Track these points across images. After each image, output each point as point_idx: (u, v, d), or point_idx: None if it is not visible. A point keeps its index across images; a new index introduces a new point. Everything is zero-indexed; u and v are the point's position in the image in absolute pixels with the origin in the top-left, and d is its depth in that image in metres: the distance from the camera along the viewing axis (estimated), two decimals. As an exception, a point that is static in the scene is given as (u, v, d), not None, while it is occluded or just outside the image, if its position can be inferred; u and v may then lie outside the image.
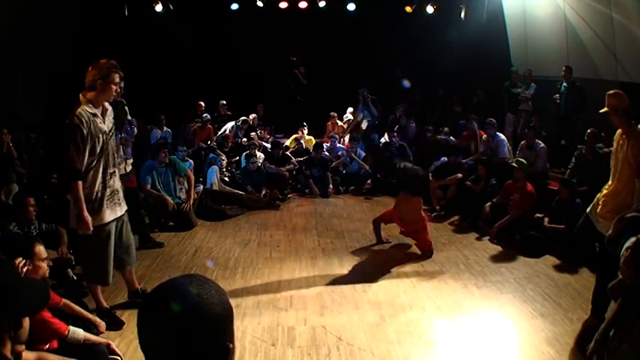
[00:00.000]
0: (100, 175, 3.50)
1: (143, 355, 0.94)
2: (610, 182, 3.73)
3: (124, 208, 3.76)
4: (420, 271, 4.84)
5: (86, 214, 3.38)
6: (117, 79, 3.46)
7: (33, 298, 1.43)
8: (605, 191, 3.76)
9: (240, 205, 6.92)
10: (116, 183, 3.66)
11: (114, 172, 3.63)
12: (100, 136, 3.45)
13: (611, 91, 3.59)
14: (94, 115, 3.41)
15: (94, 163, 3.45)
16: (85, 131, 3.33)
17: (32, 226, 4.38)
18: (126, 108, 4.81)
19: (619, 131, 3.63)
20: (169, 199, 6.02)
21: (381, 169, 8.17)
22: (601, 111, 3.63)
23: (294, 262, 5.06)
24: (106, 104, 3.55)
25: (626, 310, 2.21)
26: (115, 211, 3.63)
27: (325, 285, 4.48)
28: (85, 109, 3.37)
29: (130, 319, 3.67)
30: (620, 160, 3.58)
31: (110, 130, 3.56)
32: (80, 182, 3.38)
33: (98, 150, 3.45)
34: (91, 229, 3.42)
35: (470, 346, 3.46)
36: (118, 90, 3.58)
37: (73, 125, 3.30)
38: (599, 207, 3.75)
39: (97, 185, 3.48)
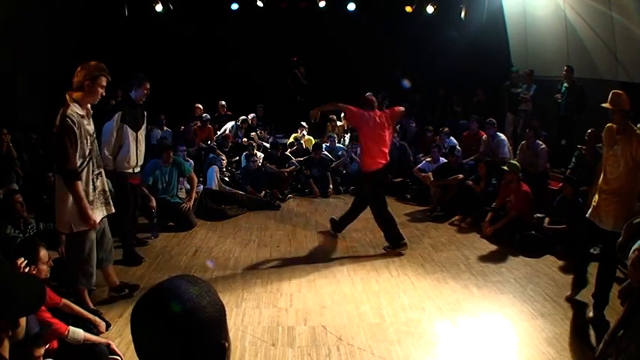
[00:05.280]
0: (90, 175, 3.57)
1: (137, 358, 0.94)
2: (611, 182, 3.74)
3: (112, 208, 3.86)
4: (420, 271, 4.84)
5: (89, 211, 3.48)
6: (104, 82, 3.53)
7: (28, 297, 1.43)
8: (605, 188, 3.78)
9: (240, 205, 6.92)
10: (104, 184, 3.78)
11: (100, 172, 3.72)
12: (88, 137, 3.52)
13: (617, 91, 3.73)
14: (82, 116, 3.47)
15: (84, 164, 3.51)
16: (77, 132, 3.39)
17: (30, 226, 4.38)
18: (145, 112, 4.89)
19: (609, 129, 3.75)
20: (153, 198, 5.81)
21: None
22: (603, 105, 3.74)
23: (294, 262, 5.05)
24: (89, 106, 3.59)
25: (634, 312, 2.22)
26: (103, 211, 3.74)
27: (325, 285, 4.48)
28: (74, 110, 3.42)
29: (129, 319, 3.67)
30: (622, 158, 3.64)
31: (94, 133, 3.63)
32: (79, 181, 3.45)
33: (87, 152, 3.52)
34: (97, 221, 3.56)
35: (470, 346, 3.45)
36: (104, 93, 3.62)
37: (67, 126, 3.34)
38: (602, 204, 3.77)
39: (86, 185, 3.54)
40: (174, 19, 10.32)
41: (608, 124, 3.80)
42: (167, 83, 10.11)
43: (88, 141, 3.52)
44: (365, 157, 5.43)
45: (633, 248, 2.37)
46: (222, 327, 0.96)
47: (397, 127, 9.25)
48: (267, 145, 9.07)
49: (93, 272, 3.72)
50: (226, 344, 0.96)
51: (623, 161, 3.63)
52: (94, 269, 3.72)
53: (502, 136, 7.82)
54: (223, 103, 10.42)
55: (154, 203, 5.75)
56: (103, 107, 4.67)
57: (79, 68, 3.48)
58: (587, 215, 3.95)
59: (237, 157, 8.47)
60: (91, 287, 3.78)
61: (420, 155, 8.42)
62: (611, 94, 3.72)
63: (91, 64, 3.49)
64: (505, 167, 5.89)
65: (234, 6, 10.92)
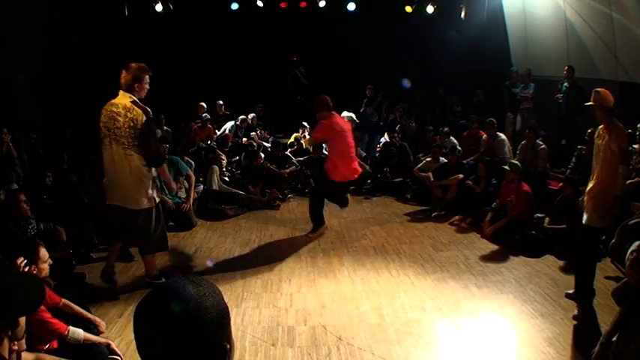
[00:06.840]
0: None
1: (139, 357, 0.94)
2: (594, 178, 3.87)
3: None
4: (420, 271, 4.84)
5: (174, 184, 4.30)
6: (148, 79, 3.87)
7: (28, 297, 1.43)
8: (590, 182, 3.90)
9: (240, 205, 6.92)
10: None
11: None
12: None
13: (598, 89, 3.82)
14: None
15: None
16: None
17: (30, 226, 4.38)
18: None
19: (600, 128, 3.86)
20: (167, 199, 5.96)
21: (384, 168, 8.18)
22: (586, 104, 3.88)
23: (294, 262, 5.05)
24: None
25: (632, 313, 2.22)
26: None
27: (325, 285, 4.48)
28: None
29: (129, 319, 3.67)
30: (602, 152, 3.77)
31: None
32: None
33: None
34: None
35: (470, 346, 3.45)
36: (148, 88, 3.94)
37: (151, 119, 3.81)
38: (586, 199, 3.88)
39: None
40: (174, 18, 10.33)
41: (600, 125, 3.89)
42: (167, 83, 10.11)
43: None
44: (340, 166, 5.43)
45: (631, 249, 2.37)
46: (225, 329, 0.97)
47: (397, 127, 9.27)
48: (267, 145, 9.06)
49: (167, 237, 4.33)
50: (228, 346, 0.97)
51: (603, 154, 3.76)
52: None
53: (502, 136, 7.81)
54: (221, 102, 10.42)
55: (170, 203, 5.90)
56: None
57: (123, 72, 3.80)
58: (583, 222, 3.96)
59: (237, 157, 8.47)
60: (167, 249, 4.50)
61: (420, 155, 8.42)
62: (592, 92, 3.80)
63: (133, 66, 3.80)
64: (506, 167, 5.88)
65: (234, 6, 10.93)
